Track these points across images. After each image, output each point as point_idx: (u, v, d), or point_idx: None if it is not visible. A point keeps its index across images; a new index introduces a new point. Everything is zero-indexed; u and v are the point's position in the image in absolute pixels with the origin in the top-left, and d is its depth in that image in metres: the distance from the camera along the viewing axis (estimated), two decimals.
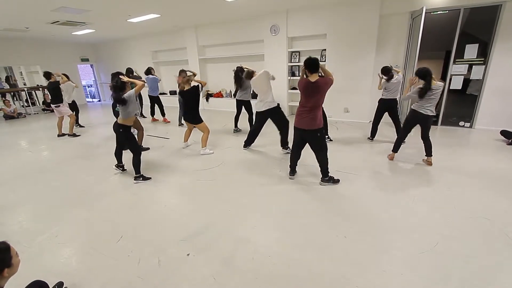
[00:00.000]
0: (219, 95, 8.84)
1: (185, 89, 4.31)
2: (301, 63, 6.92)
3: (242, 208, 2.88)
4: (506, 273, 1.90)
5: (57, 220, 2.79)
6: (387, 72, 4.43)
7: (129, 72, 6.70)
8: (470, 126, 5.67)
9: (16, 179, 3.90)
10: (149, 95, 6.98)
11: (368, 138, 5.04)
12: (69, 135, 6.05)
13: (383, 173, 3.65)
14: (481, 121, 5.52)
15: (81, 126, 7.06)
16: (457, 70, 5.41)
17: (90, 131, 6.70)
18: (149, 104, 7.21)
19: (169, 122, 7.13)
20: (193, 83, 4.37)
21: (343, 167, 3.74)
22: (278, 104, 4.29)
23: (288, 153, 4.25)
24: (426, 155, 3.81)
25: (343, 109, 6.69)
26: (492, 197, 2.91)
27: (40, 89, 10.20)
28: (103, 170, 4.04)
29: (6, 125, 7.91)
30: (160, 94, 7.41)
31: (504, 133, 4.74)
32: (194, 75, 4.89)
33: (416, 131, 3.85)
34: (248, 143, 4.71)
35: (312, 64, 2.90)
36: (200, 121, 4.45)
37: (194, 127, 4.61)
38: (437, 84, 3.43)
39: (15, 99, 10.30)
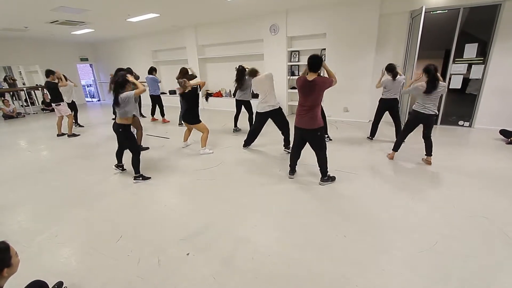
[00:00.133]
0: (218, 94, 8.84)
1: (185, 90, 4.31)
2: (301, 63, 6.98)
3: (242, 207, 2.88)
4: (506, 272, 1.90)
5: (56, 220, 2.79)
6: (391, 69, 4.41)
7: (129, 72, 6.68)
8: (470, 126, 5.68)
9: (15, 179, 3.90)
10: (150, 95, 6.96)
11: (367, 137, 5.05)
12: (68, 135, 6.03)
13: (383, 172, 3.65)
14: (481, 120, 5.53)
15: (80, 126, 7.06)
16: (456, 70, 5.41)
17: (89, 131, 6.69)
18: (150, 103, 7.18)
19: (168, 122, 7.12)
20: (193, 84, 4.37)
21: (343, 166, 3.74)
22: (280, 107, 4.29)
23: (289, 152, 4.26)
24: (426, 154, 3.81)
25: (343, 109, 6.69)
26: (492, 196, 2.91)
27: (39, 88, 10.18)
28: (103, 170, 4.03)
29: (5, 125, 7.90)
30: (161, 93, 7.39)
31: (503, 132, 4.75)
32: (194, 77, 4.86)
33: (416, 130, 3.85)
34: (247, 143, 4.70)
35: (313, 64, 2.90)
36: (198, 121, 4.45)
37: (193, 127, 4.61)
38: (440, 84, 3.43)
39: (14, 98, 10.28)
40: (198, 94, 4.37)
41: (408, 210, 2.69)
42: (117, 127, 3.46)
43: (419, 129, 3.78)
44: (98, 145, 5.39)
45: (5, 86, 10.41)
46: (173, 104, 9.14)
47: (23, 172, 4.15)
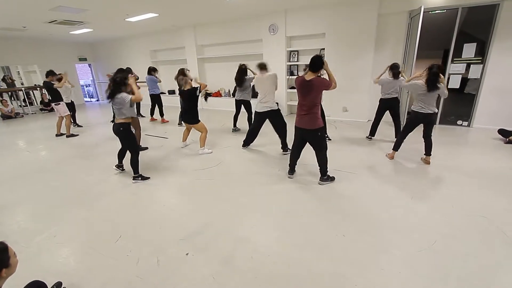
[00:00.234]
0: (217, 94, 8.83)
1: (184, 89, 4.31)
2: (300, 62, 6.98)
3: (242, 207, 2.88)
4: (505, 271, 1.90)
5: (56, 220, 2.78)
6: (393, 68, 4.41)
7: (129, 72, 6.66)
8: (468, 125, 5.69)
9: (14, 179, 3.88)
10: (150, 94, 6.94)
11: (367, 137, 5.05)
12: (67, 136, 6.02)
13: (382, 172, 3.66)
14: (479, 120, 5.55)
15: (79, 126, 7.04)
16: (455, 69, 5.43)
17: (88, 131, 6.68)
18: (150, 103, 7.15)
19: (167, 122, 7.11)
20: (194, 84, 4.35)
21: (342, 166, 3.75)
22: (279, 108, 4.28)
23: (285, 154, 4.27)
24: (425, 154, 3.82)
25: (342, 108, 6.69)
26: (491, 195, 2.92)
27: (38, 88, 10.14)
28: (102, 170, 4.02)
29: (4, 125, 7.87)
30: (160, 93, 7.37)
31: (501, 131, 4.76)
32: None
33: (416, 130, 3.85)
34: (247, 142, 4.70)
35: (314, 64, 2.89)
36: (197, 121, 4.44)
37: (192, 127, 4.60)
38: (441, 86, 3.44)
39: (12, 99, 10.24)
40: (198, 94, 4.36)
41: (408, 210, 2.70)
42: (117, 127, 3.43)
43: (419, 128, 3.78)
44: (97, 145, 5.37)
45: (3, 86, 10.37)
46: (172, 104, 9.13)
47: (22, 172, 4.13)
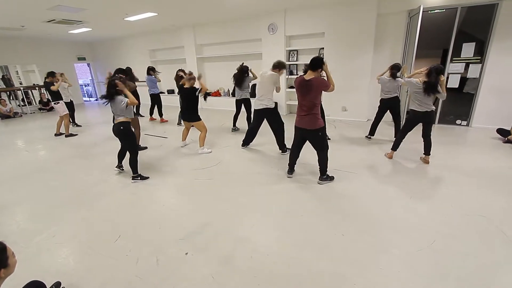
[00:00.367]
0: (217, 94, 8.83)
1: (185, 86, 4.30)
2: (299, 62, 6.98)
3: (241, 207, 2.88)
4: (504, 270, 1.91)
5: (55, 220, 2.77)
6: (394, 68, 4.42)
7: (127, 73, 6.65)
8: (467, 125, 5.71)
9: (13, 179, 3.87)
10: (150, 94, 6.93)
11: (366, 136, 5.06)
12: (66, 135, 6.00)
13: (382, 171, 3.66)
14: (478, 120, 5.56)
15: (78, 126, 7.02)
16: (454, 69, 5.45)
17: (87, 130, 6.66)
18: (150, 103, 7.12)
19: (166, 121, 7.10)
20: (196, 85, 4.34)
21: (342, 165, 3.75)
22: (275, 107, 4.24)
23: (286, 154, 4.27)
24: (424, 154, 3.82)
25: (341, 108, 6.70)
26: (490, 195, 2.93)
27: (37, 88, 10.11)
28: (102, 170, 4.01)
29: (2, 125, 7.84)
30: (160, 93, 7.35)
31: (500, 131, 4.77)
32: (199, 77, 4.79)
33: (415, 129, 3.86)
34: (246, 142, 4.70)
35: (313, 63, 2.91)
36: (198, 119, 4.43)
37: (192, 125, 4.60)
38: (439, 89, 3.45)
39: (11, 98, 10.21)
40: (197, 95, 4.34)
41: (407, 210, 2.70)
42: (117, 127, 3.42)
43: (418, 128, 3.79)
44: (96, 145, 5.36)
45: (1, 85, 10.33)
46: (171, 104, 9.12)
47: (21, 172, 4.12)
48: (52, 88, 5.80)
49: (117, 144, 3.72)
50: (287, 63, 7.07)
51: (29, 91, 10.21)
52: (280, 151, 4.40)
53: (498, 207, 2.69)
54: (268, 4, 6.09)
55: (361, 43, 5.97)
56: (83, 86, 13.15)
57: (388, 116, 4.81)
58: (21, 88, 9.84)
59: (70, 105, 6.47)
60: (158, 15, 6.63)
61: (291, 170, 3.51)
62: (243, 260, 2.09)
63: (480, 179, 3.28)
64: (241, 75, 5.22)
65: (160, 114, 7.14)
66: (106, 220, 2.74)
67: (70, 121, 6.38)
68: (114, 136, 3.55)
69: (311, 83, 2.91)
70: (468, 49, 5.26)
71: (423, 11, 4.89)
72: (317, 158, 3.23)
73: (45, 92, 9.54)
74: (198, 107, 4.53)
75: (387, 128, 5.45)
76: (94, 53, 12.07)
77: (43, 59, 10.19)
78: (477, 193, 2.98)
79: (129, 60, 10.29)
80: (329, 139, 4.94)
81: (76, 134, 6.17)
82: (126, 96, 3.41)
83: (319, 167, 3.27)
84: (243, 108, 5.61)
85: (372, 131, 4.95)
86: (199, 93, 4.32)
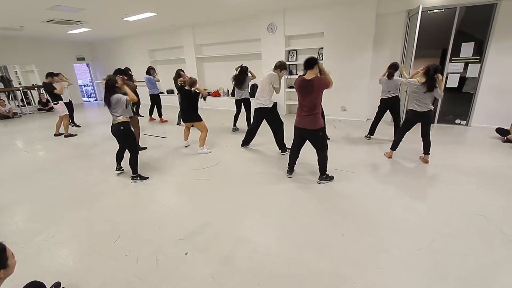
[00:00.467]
0: (216, 94, 8.82)
1: (185, 87, 4.30)
2: (299, 62, 6.99)
3: (241, 207, 2.88)
4: (504, 270, 1.91)
5: (55, 220, 2.77)
6: (391, 67, 4.43)
7: (126, 73, 6.64)
8: (466, 124, 5.72)
9: (13, 179, 3.86)
10: (150, 94, 6.92)
11: (366, 136, 5.06)
12: (65, 135, 6.00)
13: (381, 171, 3.67)
14: (477, 119, 5.57)
15: (77, 126, 7.02)
16: (453, 68, 5.45)
17: (86, 131, 6.65)
18: (149, 103, 7.11)
19: (166, 121, 7.10)
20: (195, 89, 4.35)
21: (342, 165, 3.75)
22: (274, 107, 4.23)
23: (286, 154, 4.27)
24: (423, 153, 3.83)
25: (341, 108, 6.70)
26: (489, 194, 2.93)
27: (36, 88, 10.10)
28: (101, 170, 4.01)
29: (1, 125, 7.83)
30: (160, 93, 7.34)
31: (499, 130, 4.78)
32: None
33: (415, 129, 3.86)
34: (246, 142, 4.70)
35: (307, 62, 2.93)
36: (199, 119, 4.43)
37: (192, 125, 4.59)
38: (437, 89, 3.45)
39: (10, 98, 10.19)
40: (196, 98, 4.35)
41: (407, 209, 2.71)
42: (117, 127, 3.41)
43: (417, 128, 3.79)
44: (95, 145, 5.36)
45: (0, 86, 10.32)
46: (171, 104, 9.11)
47: (21, 172, 4.12)
48: (56, 91, 5.78)
49: (116, 144, 3.71)
50: (287, 63, 7.05)
51: (28, 92, 10.20)
52: (280, 151, 4.39)
53: (497, 206, 2.69)
54: (267, 4, 6.09)
55: (360, 43, 5.97)
56: (83, 86, 13.13)
57: (388, 115, 4.82)
58: (20, 89, 9.83)
59: (69, 105, 6.45)
60: (158, 15, 6.62)
61: (291, 170, 3.51)
62: (243, 260, 2.09)
63: (480, 179, 3.28)
64: (241, 75, 5.22)
65: (160, 114, 7.14)
66: (106, 220, 2.74)
67: (69, 121, 6.37)
68: (113, 136, 3.55)
69: (313, 82, 2.91)
70: (467, 49, 5.27)
71: (422, 11, 4.90)
72: (317, 158, 3.24)
73: (44, 92, 9.51)
74: (198, 107, 4.53)
75: (386, 127, 5.46)
76: (94, 53, 12.05)
77: (42, 59, 10.17)
78: (477, 192, 2.98)
79: (128, 60, 10.28)
80: (329, 139, 4.95)
81: (76, 135, 6.16)
82: (125, 93, 3.40)
83: (318, 166, 3.27)
84: (243, 108, 5.61)
85: (371, 131, 4.95)
86: (201, 97, 4.34)
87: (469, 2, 4.99)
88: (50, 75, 5.97)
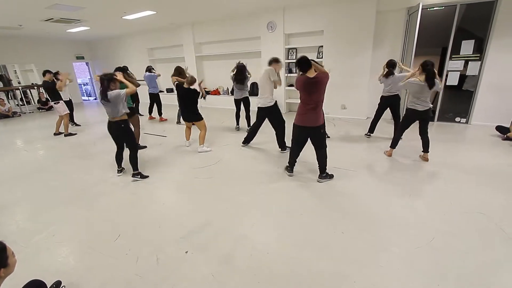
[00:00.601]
0: (216, 92, 8.81)
1: (184, 85, 4.29)
2: None
3: (241, 206, 2.88)
4: (504, 268, 1.92)
5: (55, 220, 2.77)
6: (387, 65, 4.43)
7: (124, 71, 6.62)
8: (466, 122, 5.71)
9: (13, 179, 3.86)
10: (149, 93, 6.91)
11: (365, 134, 5.06)
12: (65, 135, 5.99)
13: (381, 169, 3.67)
14: (477, 117, 5.56)
15: (77, 125, 7.01)
16: (453, 66, 5.44)
17: (86, 130, 6.65)
18: (149, 102, 7.09)
19: (165, 120, 7.09)
20: (194, 87, 4.32)
21: (341, 163, 3.75)
22: (275, 105, 4.22)
23: (283, 152, 4.26)
24: (423, 151, 3.83)
25: (340, 106, 6.69)
26: (489, 192, 2.93)
27: (35, 87, 10.08)
28: (101, 169, 4.01)
29: (1, 124, 7.82)
30: (159, 92, 7.34)
31: (499, 128, 4.78)
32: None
33: (414, 127, 3.86)
34: (247, 140, 4.69)
35: (303, 62, 2.91)
36: (200, 118, 4.42)
37: (193, 124, 4.59)
38: (436, 81, 3.45)
39: (9, 97, 10.17)
40: (195, 97, 4.33)
41: (406, 207, 2.71)
42: (117, 125, 3.36)
43: (416, 125, 3.79)
44: (95, 144, 5.35)
45: (0, 85, 10.30)
46: (170, 102, 9.10)
47: (21, 171, 4.11)
48: (58, 88, 5.77)
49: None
50: (286, 61, 7.05)
51: (28, 91, 10.18)
52: (280, 149, 4.39)
53: (497, 204, 2.69)
54: (267, 2, 6.06)
55: (360, 40, 5.95)
56: (82, 85, 13.11)
57: (387, 113, 4.81)
58: (20, 88, 9.81)
59: (69, 104, 6.44)
60: (157, 13, 6.60)
61: (291, 168, 3.50)
62: (243, 259, 2.09)
63: (479, 177, 3.28)
64: (240, 74, 5.21)
65: (160, 113, 7.13)
66: (106, 220, 2.74)
67: (69, 120, 6.36)
68: (110, 134, 3.52)
69: (317, 79, 2.90)
70: (467, 47, 5.26)
71: (422, 9, 4.88)
72: (316, 156, 3.23)
73: (43, 92, 9.50)
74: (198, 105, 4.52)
75: (386, 125, 5.45)
76: (93, 52, 12.02)
77: (42, 58, 10.15)
78: (476, 190, 2.99)
79: (127, 59, 10.26)
80: (328, 137, 4.94)
81: (75, 134, 6.16)
82: (123, 88, 3.34)
83: (318, 165, 3.27)
84: (242, 107, 5.60)
85: (371, 129, 4.95)
86: (201, 97, 4.33)
87: None
88: (47, 72, 5.94)
